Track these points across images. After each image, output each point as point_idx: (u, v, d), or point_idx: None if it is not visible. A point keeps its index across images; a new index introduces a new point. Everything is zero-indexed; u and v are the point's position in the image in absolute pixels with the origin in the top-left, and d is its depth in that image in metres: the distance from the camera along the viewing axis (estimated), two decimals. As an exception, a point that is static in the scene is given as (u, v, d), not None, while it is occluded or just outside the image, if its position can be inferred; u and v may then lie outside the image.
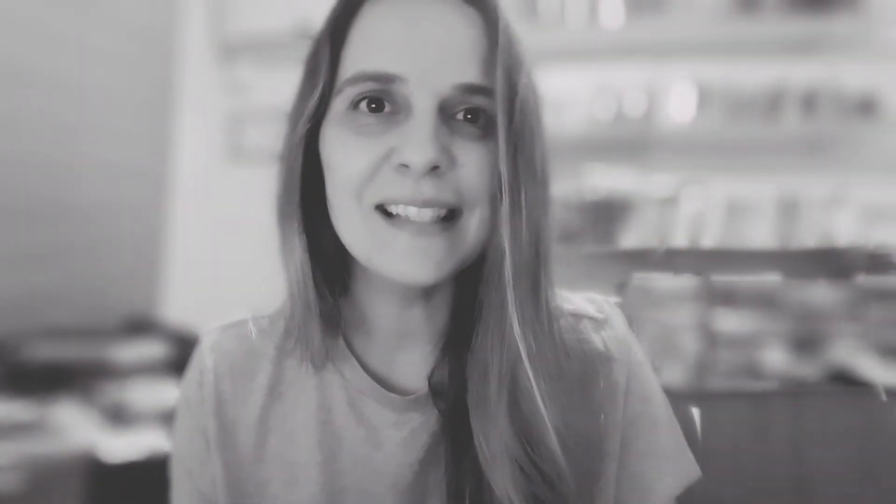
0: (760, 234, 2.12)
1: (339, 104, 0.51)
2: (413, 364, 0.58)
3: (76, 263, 2.04)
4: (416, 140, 0.47)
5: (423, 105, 0.48)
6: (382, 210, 0.50)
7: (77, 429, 1.46)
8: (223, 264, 2.33)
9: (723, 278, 2.04)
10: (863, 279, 1.97)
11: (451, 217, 0.50)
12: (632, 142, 2.19)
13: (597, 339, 0.59)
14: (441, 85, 0.48)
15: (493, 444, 0.49)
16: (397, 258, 0.49)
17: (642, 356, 0.61)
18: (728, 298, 2.03)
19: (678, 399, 0.62)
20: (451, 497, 0.52)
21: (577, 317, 0.60)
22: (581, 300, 0.62)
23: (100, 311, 2.10)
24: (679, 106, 2.20)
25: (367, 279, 0.56)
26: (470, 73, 0.49)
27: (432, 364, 0.57)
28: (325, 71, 0.52)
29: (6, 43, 1.78)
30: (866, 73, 2.12)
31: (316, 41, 0.54)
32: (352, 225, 0.51)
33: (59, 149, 1.98)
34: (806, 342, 1.96)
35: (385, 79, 0.49)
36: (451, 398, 0.54)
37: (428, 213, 0.49)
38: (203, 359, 0.60)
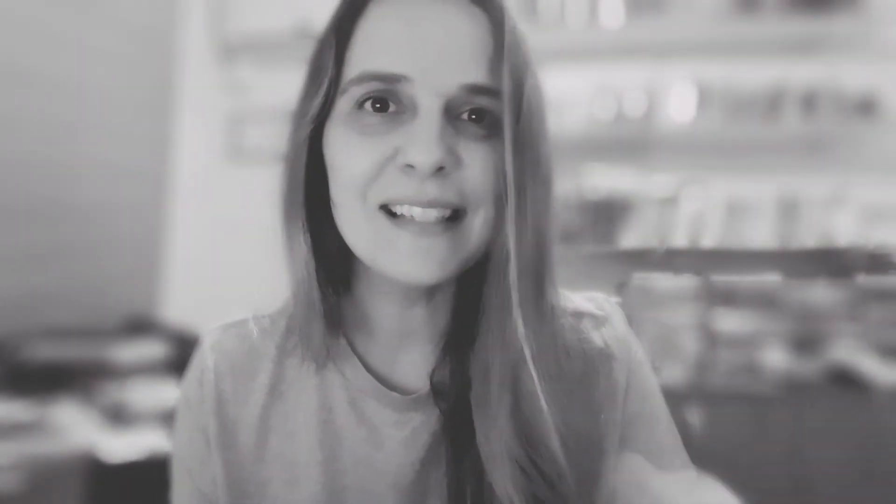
0: (760, 234, 2.12)
1: (343, 104, 0.51)
2: (414, 363, 0.58)
3: (76, 263, 2.04)
4: (422, 140, 0.47)
5: (428, 105, 0.48)
6: (386, 210, 0.50)
7: (77, 429, 1.46)
8: (223, 264, 2.33)
9: (723, 278, 2.04)
10: (863, 279, 1.97)
11: (454, 217, 0.50)
12: (632, 142, 2.19)
13: (597, 338, 0.59)
14: (447, 85, 0.48)
15: (495, 443, 0.49)
16: (400, 258, 0.49)
17: (642, 355, 0.61)
18: (728, 298, 2.03)
19: (678, 399, 0.62)
20: (451, 496, 0.52)
21: (578, 315, 0.60)
22: (581, 299, 0.62)
23: (100, 311, 2.10)
24: (679, 106, 2.20)
25: (369, 279, 0.56)
26: (476, 73, 0.49)
27: (433, 363, 0.57)
28: (329, 71, 0.52)
29: (6, 43, 1.78)
30: (866, 73, 2.12)
31: (320, 41, 0.54)
32: (355, 225, 0.51)
33: (59, 149, 1.98)
34: (806, 342, 1.96)
35: (390, 79, 0.49)
36: (452, 398, 0.54)
37: (432, 213, 0.49)
38: (204, 358, 0.60)
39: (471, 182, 0.49)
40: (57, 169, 1.97)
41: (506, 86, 0.48)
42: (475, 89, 0.49)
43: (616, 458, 0.50)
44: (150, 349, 1.86)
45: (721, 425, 1.73)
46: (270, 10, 2.38)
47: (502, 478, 0.48)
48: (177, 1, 2.53)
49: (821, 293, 2.00)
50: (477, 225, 0.50)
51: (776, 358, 1.92)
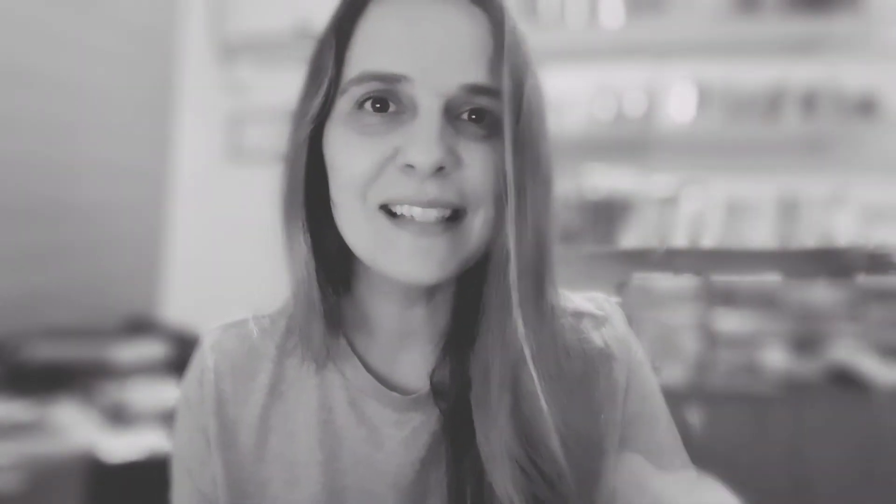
0: (760, 234, 2.12)
1: (343, 104, 0.51)
2: (414, 363, 0.58)
3: (76, 263, 2.04)
4: (422, 140, 0.47)
5: (428, 105, 0.48)
6: (386, 210, 0.50)
7: (77, 429, 1.46)
8: (223, 264, 2.33)
9: (723, 278, 2.04)
10: (863, 279, 1.97)
11: (454, 217, 0.50)
12: (632, 142, 2.19)
13: (597, 338, 0.59)
14: (447, 85, 0.48)
15: (495, 443, 0.49)
16: (400, 258, 0.49)
17: (642, 355, 0.61)
18: (728, 298, 2.03)
19: (678, 399, 0.62)
20: (451, 496, 0.52)
21: (578, 315, 0.60)
22: (581, 299, 0.62)
23: (100, 311, 2.10)
24: (679, 106, 2.20)
25: (369, 279, 0.56)
26: (476, 73, 0.49)
27: (433, 363, 0.57)
28: (329, 71, 0.52)
29: (6, 43, 1.78)
30: (866, 73, 2.12)
31: (320, 41, 0.54)
32: (355, 225, 0.51)
33: (59, 149, 1.98)
34: (806, 342, 1.96)
35: (390, 79, 0.49)
36: (452, 397, 0.54)
37: (432, 213, 0.49)
38: (204, 358, 0.60)
39: (471, 182, 0.49)
40: (57, 169, 1.97)
41: (506, 86, 0.48)
42: (475, 89, 0.49)
43: (616, 458, 0.50)
44: (150, 349, 1.86)
45: (721, 425, 1.73)
46: (270, 10, 2.38)
47: (502, 478, 0.48)
48: (177, 1, 2.53)
49: (821, 293, 2.00)
50: (477, 225, 0.50)
51: (776, 358, 1.92)
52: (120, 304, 2.23)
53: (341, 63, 0.52)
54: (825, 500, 1.73)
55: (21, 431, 1.40)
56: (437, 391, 0.55)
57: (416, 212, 0.49)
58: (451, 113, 0.49)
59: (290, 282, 0.55)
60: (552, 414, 0.49)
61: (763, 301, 2.02)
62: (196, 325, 1.75)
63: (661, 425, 0.60)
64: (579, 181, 2.15)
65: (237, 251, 2.09)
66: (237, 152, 2.49)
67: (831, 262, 1.97)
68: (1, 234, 1.76)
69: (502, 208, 0.50)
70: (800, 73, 2.14)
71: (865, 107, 2.11)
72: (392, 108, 0.50)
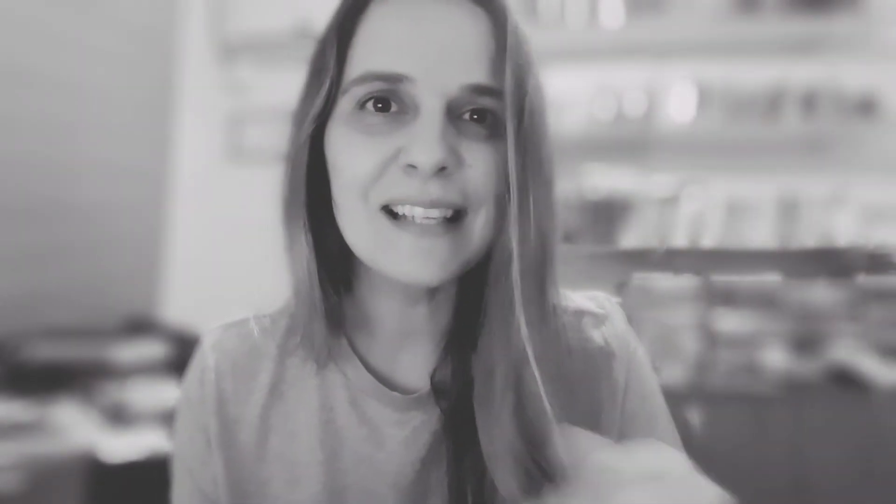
0: (760, 234, 2.12)
1: (345, 104, 0.51)
2: (415, 363, 0.58)
3: (76, 263, 2.04)
4: (424, 141, 0.47)
5: (430, 105, 0.48)
6: (388, 211, 0.50)
7: (77, 429, 1.46)
8: (223, 264, 2.33)
9: (723, 278, 2.04)
10: (863, 279, 1.97)
11: (455, 218, 0.50)
12: (632, 142, 2.19)
13: (597, 336, 0.59)
14: (449, 85, 0.48)
15: (498, 443, 0.49)
16: (401, 259, 0.49)
17: (642, 353, 0.61)
18: (728, 298, 2.03)
19: (678, 399, 0.62)
20: (452, 496, 0.52)
21: (579, 314, 0.60)
22: (582, 297, 0.62)
23: (100, 311, 2.10)
24: (679, 106, 2.20)
25: (370, 279, 0.56)
26: (478, 73, 0.49)
27: (434, 363, 0.57)
28: (331, 70, 0.51)
29: (6, 43, 1.78)
30: (866, 73, 2.13)
31: (322, 40, 0.54)
32: (357, 225, 0.51)
33: (59, 149, 1.98)
34: (806, 342, 1.96)
35: (392, 78, 0.49)
36: (453, 397, 0.54)
37: (434, 214, 0.49)
38: (204, 357, 0.60)
39: (473, 182, 0.49)
40: (57, 169, 1.97)
41: (508, 86, 0.48)
42: (477, 89, 0.49)
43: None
44: (150, 349, 1.86)
45: (721, 425, 1.73)
46: (270, 10, 2.38)
47: (505, 477, 0.48)
48: (177, 1, 2.53)
49: (821, 293, 2.00)
50: (478, 225, 0.50)
51: (776, 358, 1.92)
52: (120, 304, 2.23)
53: (343, 63, 0.52)
54: (825, 500, 1.73)
55: (21, 431, 1.40)
56: (437, 390, 0.55)
57: (418, 212, 0.49)
58: (452, 113, 0.49)
59: (292, 282, 0.55)
60: (555, 414, 0.49)
61: (763, 301, 2.02)
62: (196, 325, 1.75)
63: (661, 424, 0.60)
64: (579, 181, 2.15)
65: (237, 251, 2.09)
66: (237, 152, 2.49)
67: (831, 262, 1.97)
68: (1, 234, 1.76)
69: (503, 208, 0.50)
70: (800, 73, 2.15)
71: (865, 107, 2.11)
72: (394, 108, 0.50)
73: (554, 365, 0.50)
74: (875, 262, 1.93)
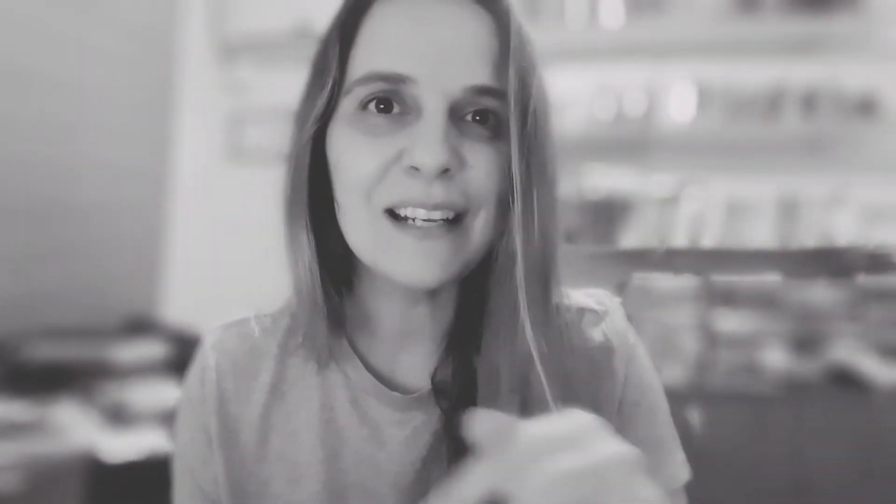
0: (760, 234, 2.12)
1: (347, 104, 0.51)
2: (416, 363, 0.58)
3: (76, 263, 2.04)
4: (427, 142, 0.47)
5: (433, 106, 0.48)
6: (390, 213, 0.50)
7: (77, 429, 1.46)
8: (223, 264, 2.33)
9: (723, 278, 2.04)
10: (863, 279, 1.97)
11: (456, 219, 0.50)
12: (632, 142, 2.19)
13: (598, 333, 0.59)
14: (451, 86, 0.48)
15: None
16: (402, 260, 0.49)
17: (642, 348, 0.61)
18: (728, 298, 2.03)
19: (678, 399, 0.62)
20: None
21: (580, 312, 0.60)
22: (582, 295, 0.62)
23: (100, 311, 2.10)
24: (679, 106, 2.20)
25: (371, 279, 0.56)
26: (481, 74, 0.49)
27: (435, 363, 0.57)
28: (333, 71, 0.51)
29: (6, 43, 1.78)
30: (866, 73, 2.13)
31: (324, 40, 0.54)
32: (358, 226, 0.51)
33: (59, 149, 1.98)
34: (806, 342, 1.96)
35: (395, 79, 0.48)
36: (453, 397, 0.54)
37: (437, 216, 0.49)
38: (205, 357, 0.60)
39: (475, 183, 0.49)
40: (57, 169, 1.97)
41: (512, 88, 0.48)
42: (480, 91, 0.49)
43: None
44: (150, 349, 1.86)
45: (721, 425, 1.73)
46: (270, 10, 2.38)
47: None
48: (177, 1, 2.53)
49: (821, 293, 2.00)
50: (478, 226, 0.50)
51: (776, 358, 1.92)
52: (120, 304, 2.23)
53: (345, 63, 0.52)
54: (825, 500, 1.73)
55: (21, 431, 1.40)
56: (438, 390, 0.55)
57: (420, 213, 0.49)
58: (455, 114, 0.49)
59: (293, 282, 0.55)
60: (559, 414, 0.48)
61: (763, 301, 2.02)
62: (196, 325, 1.75)
63: (660, 419, 0.60)
64: (579, 181, 2.15)
65: (237, 251, 2.09)
66: (237, 152, 2.49)
67: (831, 262, 1.98)
68: (1, 234, 1.76)
69: (504, 209, 0.50)
70: (800, 73, 2.15)
71: (865, 107, 2.11)
72: (396, 109, 0.50)
73: (557, 364, 0.50)
74: (875, 262, 1.93)
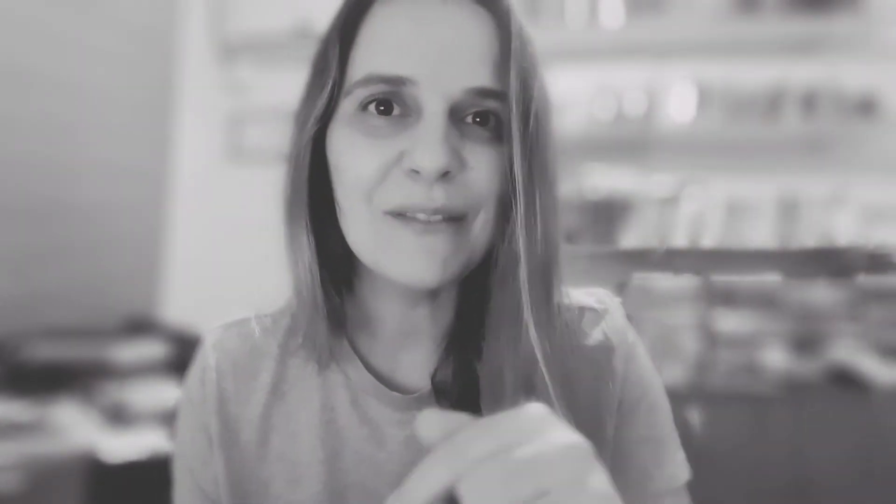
0: (760, 234, 2.12)
1: (347, 105, 0.51)
2: (416, 363, 0.58)
3: (76, 263, 2.04)
4: (427, 144, 0.47)
5: (433, 108, 0.48)
6: (391, 214, 0.50)
7: (77, 429, 1.46)
8: (223, 264, 2.33)
9: (723, 278, 2.04)
10: (863, 279, 1.97)
11: (457, 218, 0.50)
12: (632, 142, 2.19)
13: (598, 332, 0.59)
14: (452, 88, 0.48)
15: None
16: (403, 260, 0.49)
17: (641, 347, 0.61)
18: (728, 298, 2.03)
19: (678, 399, 0.62)
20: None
21: (580, 311, 0.60)
22: (582, 294, 0.62)
23: (100, 311, 2.10)
24: (679, 106, 2.20)
25: (372, 279, 0.56)
26: (481, 76, 0.48)
27: (435, 363, 0.57)
28: (333, 71, 0.51)
29: (6, 43, 1.78)
30: (866, 73, 2.13)
31: (324, 41, 0.53)
32: (359, 226, 0.51)
33: (59, 149, 1.98)
34: (806, 342, 1.96)
35: (395, 81, 0.48)
36: (454, 397, 0.54)
37: (437, 218, 0.49)
38: (206, 357, 0.60)
39: (476, 184, 0.49)
40: (57, 169, 1.97)
41: (513, 90, 0.48)
42: (481, 93, 0.49)
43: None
44: (150, 349, 1.86)
45: (721, 425, 1.73)
46: (270, 10, 2.38)
47: None
48: (177, 1, 2.53)
49: (821, 293, 2.00)
50: (478, 226, 0.50)
51: (776, 358, 1.92)
52: (120, 304, 2.23)
53: (345, 64, 0.51)
54: (825, 500, 1.73)
55: (21, 431, 1.40)
56: (438, 391, 0.55)
57: (421, 217, 0.49)
58: (455, 115, 0.49)
59: (293, 282, 0.55)
60: (563, 414, 0.49)
61: (763, 301, 2.02)
62: (196, 325, 1.75)
63: (660, 418, 0.60)
64: (579, 181, 2.15)
65: (237, 251, 2.09)
66: (237, 152, 2.49)
67: (831, 262, 1.97)
68: (1, 234, 1.76)
69: (504, 210, 0.50)
70: (800, 73, 2.15)
71: (865, 107, 2.11)
72: (396, 110, 0.49)
73: (560, 365, 0.50)
74: (875, 262, 1.93)
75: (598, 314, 0.60)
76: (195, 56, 2.54)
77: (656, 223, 2.12)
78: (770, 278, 2.03)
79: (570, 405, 0.49)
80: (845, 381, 1.86)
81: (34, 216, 1.88)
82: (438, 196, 0.48)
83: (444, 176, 0.48)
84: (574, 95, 2.21)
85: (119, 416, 1.54)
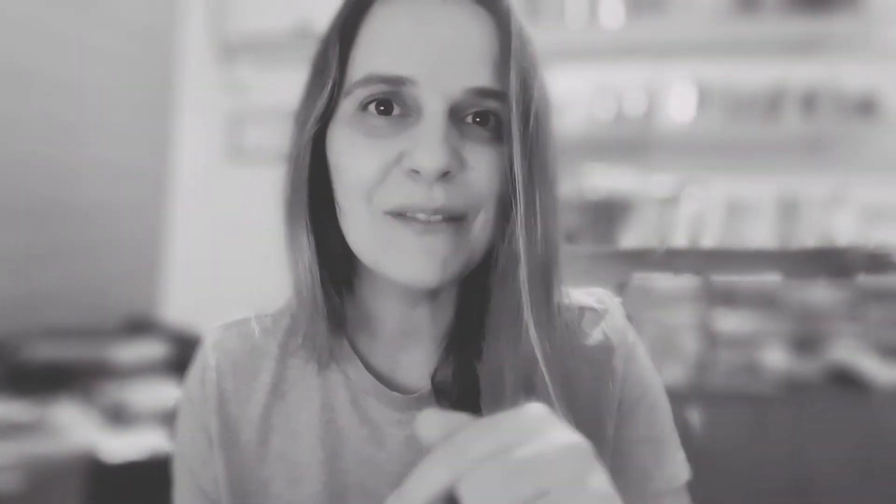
0: (760, 234, 2.12)
1: (347, 105, 0.51)
2: (416, 363, 0.58)
3: (76, 263, 2.04)
4: (427, 144, 0.47)
5: (433, 108, 0.48)
6: (392, 214, 0.50)
7: (77, 429, 1.46)
8: (223, 264, 2.33)
9: (723, 278, 2.04)
10: (863, 279, 1.97)
11: (457, 218, 0.50)
12: (632, 142, 2.19)
13: (598, 331, 0.59)
14: (452, 88, 0.48)
15: None
16: (403, 260, 0.49)
17: (641, 346, 0.61)
18: (728, 298, 2.03)
19: (678, 399, 0.62)
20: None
21: (580, 311, 0.60)
22: (582, 294, 0.62)
23: (100, 311, 2.10)
24: (679, 106, 2.20)
25: (372, 279, 0.56)
26: (482, 76, 0.48)
27: (435, 363, 0.57)
28: (333, 71, 0.51)
29: (6, 43, 1.78)
30: (866, 73, 2.13)
31: (324, 41, 0.53)
32: (359, 226, 0.51)
33: (59, 149, 1.98)
34: (806, 342, 1.96)
35: (395, 81, 0.48)
36: (454, 397, 0.54)
37: (438, 219, 0.49)
38: (206, 357, 0.60)
39: (476, 184, 0.49)
40: (57, 169, 1.97)
41: (513, 90, 0.48)
42: (481, 93, 0.49)
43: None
44: (150, 349, 1.86)
45: (721, 425, 1.73)
46: (270, 10, 2.38)
47: None
48: (177, 1, 2.53)
49: (821, 293, 2.00)
50: (478, 226, 0.50)
51: (776, 358, 1.92)
52: (120, 304, 2.23)
53: (345, 63, 0.51)
54: (825, 500, 1.73)
55: (21, 431, 1.40)
56: (438, 391, 0.55)
57: (421, 217, 0.49)
58: (455, 115, 0.49)
59: (293, 283, 0.55)
60: (562, 414, 0.49)
61: (763, 301, 2.02)
62: (196, 325, 1.75)
63: (660, 418, 0.60)
64: (579, 181, 2.15)
65: (237, 251, 2.09)
66: (237, 152, 2.49)
67: (831, 262, 1.98)
68: (1, 234, 1.76)
69: (504, 210, 0.50)
70: (800, 73, 2.15)
71: (865, 107, 2.11)
72: (396, 110, 0.49)
73: (560, 365, 0.50)
74: (875, 262, 1.93)
75: (598, 314, 0.60)
76: (195, 56, 2.54)
77: (656, 223, 2.12)
78: (770, 278, 2.03)
79: (570, 405, 0.49)
80: (845, 381, 1.86)
81: (34, 216, 1.88)
82: (438, 196, 0.48)
83: (444, 176, 0.48)
84: (574, 95, 2.21)
85: (119, 416, 1.54)
